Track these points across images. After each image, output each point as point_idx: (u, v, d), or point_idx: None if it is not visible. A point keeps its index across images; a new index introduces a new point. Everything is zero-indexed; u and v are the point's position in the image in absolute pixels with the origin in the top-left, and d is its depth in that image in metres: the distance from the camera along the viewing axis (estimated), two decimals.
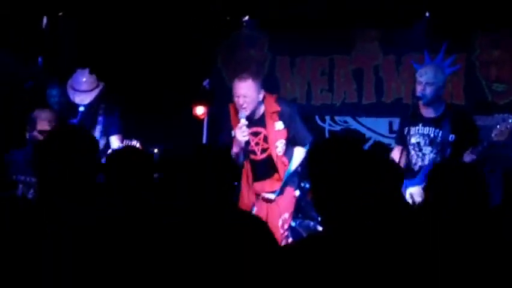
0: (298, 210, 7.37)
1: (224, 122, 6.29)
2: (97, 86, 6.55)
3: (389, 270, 2.53)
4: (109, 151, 6.36)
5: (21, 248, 3.01)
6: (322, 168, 2.71)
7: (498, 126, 5.65)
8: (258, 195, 6.20)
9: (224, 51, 9.58)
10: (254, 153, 6.16)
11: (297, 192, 6.49)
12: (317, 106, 9.28)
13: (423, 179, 5.83)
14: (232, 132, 6.02)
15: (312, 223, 7.35)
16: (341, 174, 2.67)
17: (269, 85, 8.92)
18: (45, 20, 8.38)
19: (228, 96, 6.10)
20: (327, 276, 2.54)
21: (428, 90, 6.00)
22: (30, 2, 8.04)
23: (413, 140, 6.07)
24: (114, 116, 6.58)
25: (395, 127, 7.44)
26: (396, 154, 6.14)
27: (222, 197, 3.26)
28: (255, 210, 6.18)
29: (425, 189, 3.67)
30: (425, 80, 6.00)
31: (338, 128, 9.24)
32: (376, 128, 8.83)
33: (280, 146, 6.08)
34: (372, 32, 8.91)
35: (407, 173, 5.82)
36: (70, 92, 6.52)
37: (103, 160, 5.23)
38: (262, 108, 6.06)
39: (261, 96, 6.00)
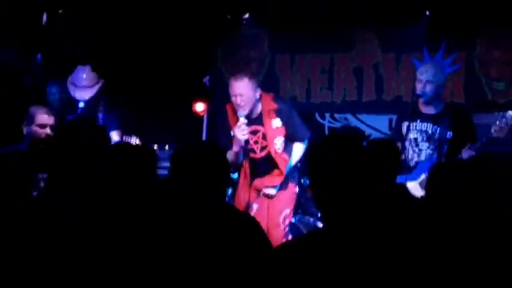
0: (298, 206, 7.37)
1: (222, 123, 6.28)
2: (97, 82, 6.57)
3: (385, 268, 2.53)
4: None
5: (22, 248, 3.01)
6: (321, 166, 2.70)
7: (498, 123, 5.66)
8: (258, 191, 6.20)
9: (224, 49, 9.59)
10: (254, 151, 6.16)
11: (297, 188, 6.50)
12: (317, 104, 9.30)
13: (419, 174, 5.87)
14: (231, 132, 6.02)
15: (311, 219, 7.35)
16: (339, 172, 2.66)
17: (269, 83, 8.99)
18: (45, 16, 8.37)
19: (228, 93, 6.09)
20: (323, 274, 2.54)
21: (428, 88, 6.00)
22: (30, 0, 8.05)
23: (411, 136, 6.08)
24: (114, 112, 6.59)
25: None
26: None
27: (220, 195, 3.27)
28: (255, 208, 6.19)
29: (425, 187, 3.67)
30: (425, 78, 6.00)
31: (337, 125, 9.26)
32: (376, 125, 8.85)
33: (278, 143, 6.09)
34: (372, 30, 8.93)
35: (403, 168, 5.82)
36: (71, 88, 6.53)
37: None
38: (259, 107, 6.06)
39: (257, 95, 6.00)
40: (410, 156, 6.08)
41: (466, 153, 5.68)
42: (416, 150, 6.05)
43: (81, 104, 6.40)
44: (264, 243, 3.24)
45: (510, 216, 3.23)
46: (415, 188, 5.78)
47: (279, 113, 6.05)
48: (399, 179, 4.71)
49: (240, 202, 6.21)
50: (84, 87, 6.49)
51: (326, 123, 9.31)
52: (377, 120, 8.85)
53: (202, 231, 3.08)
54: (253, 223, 3.33)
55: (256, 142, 6.12)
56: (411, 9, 8.29)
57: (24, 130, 5.59)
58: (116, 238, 3.07)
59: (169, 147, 7.56)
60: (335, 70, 9.19)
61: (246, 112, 5.92)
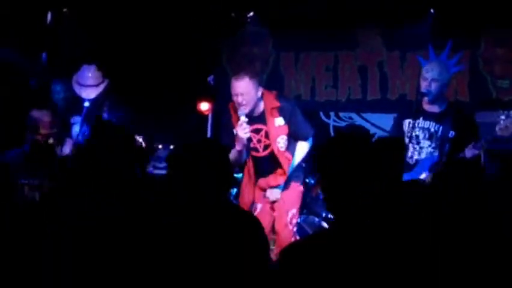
0: (303, 206, 7.37)
1: (225, 122, 6.29)
2: (103, 81, 6.59)
3: (381, 269, 2.53)
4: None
5: (22, 248, 3.02)
6: (324, 165, 2.72)
7: (502, 122, 5.65)
8: (263, 191, 6.20)
9: (229, 48, 9.58)
10: (257, 150, 6.16)
11: (303, 187, 6.50)
12: (322, 102, 9.29)
13: (419, 173, 5.87)
14: (234, 131, 6.02)
15: (316, 219, 7.34)
16: (341, 171, 2.68)
17: (274, 82, 8.98)
18: (49, 16, 8.37)
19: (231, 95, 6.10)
20: (324, 275, 2.55)
21: (433, 87, 6.01)
22: None
23: (412, 133, 6.08)
24: (118, 112, 6.60)
25: None
26: None
27: (221, 194, 3.27)
28: (259, 208, 6.19)
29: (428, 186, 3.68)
30: (431, 76, 6.01)
31: (342, 124, 9.25)
32: (381, 124, 8.82)
33: (281, 141, 6.08)
34: (377, 28, 8.91)
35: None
36: (76, 87, 6.55)
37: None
38: (261, 105, 6.06)
39: (259, 94, 6.00)
40: (410, 154, 6.08)
41: (469, 152, 5.68)
42: (417, 148, 6.05)
43: (86, 103, 6.42)
44: (263, 242, 3.24)
45: (510, 215, 3.24)
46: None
47: (281, 111, 6.05)
48: None
49: (245, 202, 6.21)
50: (90, 86, 6.51)
51: (331, 122, 9.30)
52: (381, 119, 8.82)
53: (202, 231, 3.08)
54: (254, 222, 3.33)
55: (259, 141, 6.12)
56: (416, 7, 8.28)
57: (27, 136, 5.60)
58: (116, 238, 3.08)
59: (173, 146, 7.56)
60: (339, 68, 9.19)
61: (246, 111, 5.93)
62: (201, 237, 3.07)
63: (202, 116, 9.02)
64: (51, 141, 5.56)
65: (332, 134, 9.23)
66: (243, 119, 5.91)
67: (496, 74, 8.41)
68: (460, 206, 3.25)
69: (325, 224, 7.24)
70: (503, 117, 5.64)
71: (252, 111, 5.98)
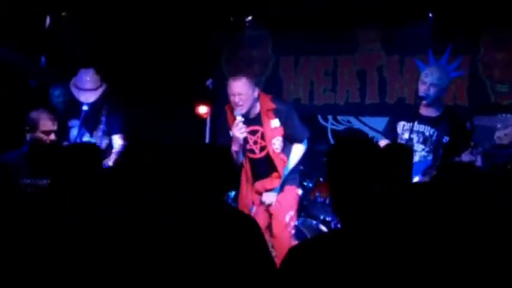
0: (301, 209, 7.38)
1: (221, 123, 6.31)
2: (101, 85, 6.59)
3: (379, 272, 2.53)
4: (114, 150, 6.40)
5: (22, 248, 3.02)
6: (328, 167, 2.74)
7: (502, 130, 5.66)
8: (260, 194, 6.21)
9: (227, 52, 9.58)
10: (253, 152, 6.19)
11: (300, 191, 6.49)
12: (320, 106, 9.29)
13: (413, 176, 5.86)
14: (230, 133, 6.04)
15: (314, 222, 7.35)
16: (340, 174, 2.69)
17: (273, 85, 8.99)
18: (48, 19, 8.37)
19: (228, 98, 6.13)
20: (322, 278, 2.55)
21: (432, 91, 6.02)
22: (33, 2, 8.05)
23: (407, 136, 6.07)
24: (117, 115, 6.59)
25: None
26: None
27: (220, 196, 3.27)
28: (255, 211, 6.20)
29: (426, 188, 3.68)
30: (430, 80, 6.02)
31: (340, 127, 9.25)
32: (379, 127, 8.79)
33: (277, 143, 6.12)
34: (376, 32, 8.91)
35: None
36: (74, 91, 6.55)
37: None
38: (257, 107, 6.10)
39: (255, 94, 6.05)
40: None
41: (466, 157, 5.68)
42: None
43: (85, 107, 6.42)
44: (262, 243, 3.24)
45: (508, 216, 3.24)
46: None
47: (277, 113, 6.09)
48: None
49: (245, 203, 6.23)
50: (88, 90, 6.51)
51: (329, 126, 9.30)
52: (380, 123, 8.76)
53: (202, 231, 3.08)
54: (252, 223, 3.33)
55: (255, 142, 6.15)
56: (415, 10, 8.27)
57: (27, 136, 5.59)
58: (116, 238, 3.07)
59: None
60: (338, 72, 9.18)
61: (243, 111, 5.97)
62: (200, 238, 3.07)
63: (201, 120, 9.01)
64: (52, 137, 5.55)
65: (330, 137, 9.23)
66: (239, 118, 5.95)
67: (495, 78, 8.41)
68: (458, 208, 3.25)
69: (323, 227, 7.24)
70: (500, 125, 5.65)
71: (248, 112, 6.01)
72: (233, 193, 7.20)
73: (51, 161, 3.44)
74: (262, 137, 6.12)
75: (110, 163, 6.02)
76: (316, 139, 6.41)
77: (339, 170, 2.70)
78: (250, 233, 3.21)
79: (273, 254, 5.90)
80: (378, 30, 8.88)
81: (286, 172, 6.13)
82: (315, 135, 6.37)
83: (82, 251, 3.01)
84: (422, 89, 6.06)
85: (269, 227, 6.15)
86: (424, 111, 6.08)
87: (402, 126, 6.14)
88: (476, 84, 8.47)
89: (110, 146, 6.52)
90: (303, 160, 6.40)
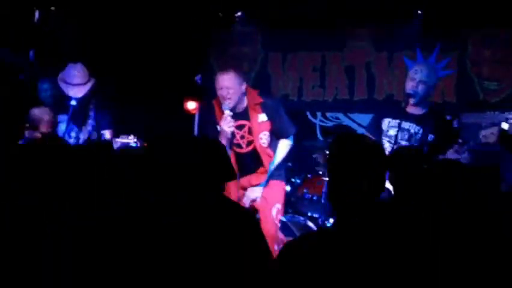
0: (289, 206, 7.39)
1: (209, 118, 6.32)
2: (89, 80, 6.57)
3: (364, 268, 2.55)
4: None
5: (22, 248, 3.02)
6: (328, 162, 2.79)
7: (489, 128, 5.67)
8: (245, 190, 6.22)
9: (216, 47, 9.59)
10: (240, 146, 6.19)
11: (288, 187, 6.48)
12: (308, 102, 9.30)
13: None
14: (218, 127, 6.06)
15: (302, 218, 7.35)
16: (330, 170, 2.72)
17: (261, 81, 9.00)
18: (37, 14, 8.35)
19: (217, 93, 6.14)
20: (314, 273, 2.57)
21: (420, 88, 6.01)
22: None
23: (391, 132, 6.08)
24: (105, 110, 6.59)
25: None
26: None
27: (219, 193, 3.27)
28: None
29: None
30: (419, 77, 6.01)
31: (329, 124, 9.27)
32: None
33: (264, 137, 6.13)
34: (365, 28, 8.93)
35: None
36: (63, 86, 6.52)
37: None
38: (245, 102, 6.12)
39: (243, 88, 6.06)
40: (387, 154, 6.07)
41: (452, 155, 5.68)
42: (395, 147, 6.05)
43: (73, 102, 6.40)
44: (261, 241, 3.24)
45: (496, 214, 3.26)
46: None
47: (264, 108, 6.10)
48: None
49: (230, 197, 6.22)
50: (77, 85, 6.49)
51: (318, 122, 9.32)
52: (368, 119, 8.84)
53: (202, 231, 3.08)
54: (252, 220, 3.33)
55: (242, 137, 6.16)
56: (404, 7, 8.29)
57: (26, 133, 5.64)
58: (116, 238, 3.07)
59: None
60: (326, 68, 9.20)
61: (231, 105, 5.99)
62: (200, 237, 3.07)
63: (189, 115, 9.02)
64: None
65: (319, 134, 9.25)
66: (227, 112, 5.96)
67: (484, 75, 8.43)
68: (445, 204, 3.27)
69: (311, 224, 7.25)
70: (486, 123, 5.66)
71: (235, 107, 6.03)
72: None
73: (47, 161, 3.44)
74: (249, 132, 6.13)
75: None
76: (305, 136, 6.42)
77: (332, 165, 2.73)
78: (250, 232, 3.21)
79: None
80: (368, 27, 8.89)
81: (271, 167, 6.14)
82: (303, 132, 6.38)
83: (82, 251, 3.01)
84: (410, 86, 6.05)
85: None
86: (410, 108, 6.08)
87: (387, 123, 6.15)
88: (465, 82, 8.49)
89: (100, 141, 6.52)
90: (291, 156, 6.41)
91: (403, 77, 6.84)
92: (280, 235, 6.52)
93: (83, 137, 6.42)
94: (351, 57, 9.06)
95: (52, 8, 8.44)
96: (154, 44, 8.81)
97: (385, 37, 8.79)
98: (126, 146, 6.15)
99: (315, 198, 7.54)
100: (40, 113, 5.74)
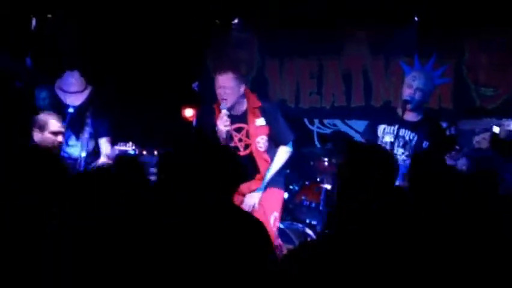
0: (287, 213, 7.39)
1: (208, 120, 6.31)
2: (86, 88, 6.58)
3: (364, 275, 2.56)
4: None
5: (22, 248, 3.02)
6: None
7: (481, 134, 5.69)
8: (243, 196, 6.22)
9: (213, 54, 9.58)
10: (237, 149, 6.19)
11: (286, 194, 6.47)
12: (306, 109, 9.30)
13: None
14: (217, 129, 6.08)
15: (300, 225, 7.36)
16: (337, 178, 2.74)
17: (258, 87, 8.98)
18: (34, 21, 8.35)
19: (217, 98, 6.15)
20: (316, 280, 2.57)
21: (417, 95, 6.02)
22: (20, 4, 8.03)
23: (387, 139, 6.08)
24: (103, 118, 6.58)
25: None
26: None
27: (221, 195, 3.26)
28: None
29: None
30: (416, 84, 6.01)
31: (326, 130, 9.26)
32: None
33: (261, 141, 6.14)
34: (362, 34, 8.92)
35: None
36: (60, 93, 6.54)
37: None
38: (244, 105, 6.15)
39: (242, 89, 6.09)
40: None
41: (448, 162, 5.69)
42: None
43: (70, 110, 6.40)
44: (264, 243, 3.23)
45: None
46: None
47: (263, 112, 6.13)
48: None
49: None
50: (75, 93, 6.50)
51: (315, 129, 9.32)
52: None
53: (202, 231, 3.08)
54: (255, 223, 3.32)
55: (240, 140, 6.17)
56: (400, 13, 8.30)
57: (35, 136, 5.71)
58: (116, 238, 3.07)
59: (157, 152, 7.56)
60: (323, 75, 9.20)
61: (228, 105, 6.02)
62: (201, 238, 3.07)
63: (187, 122, 9.02)
64: (60, 138, 5.84)
65: (316, 140, 9.25)
66: (224, 111, 5.98)
67: (480, 81, 8.43)
68: (442, 210, 3.28)
69: (309, 231, 7.25)
70: (479, 129, 5.67)
71: (233, 108, 6.06)
72: None
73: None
74: (247, 135, 6.15)
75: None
76: (303, 142, 6.42)
77: (342, 172, 2.75)
78: (250, 233, 3.20)
79: None
80: (364, 33, 8.90)
81: (267, 174, 6.14)
82: (301, 139, 6.39)
83: (82, 251, 3.01)
84: (407, 93, 6.05)
85: None
86: (405, 115, 6.07)
87: (382, 129, 6.15)
88: (461, 88, 8.49)
89: (97, 149, 6.52)
90: (289, 163, 6.41)
91: (400, 83, 6.85)
92: (279, 242, 6.51)
93: (81, 144, 6.43)
94: (348, 63, 9.05)
95: (49, 16, 8.45)
96: (151, 51, 8.81)
97: (382, 43, 8.79)
98: (124, 154, 6.17)
99: (313, 205, 7.54)
100: (46, 115, 5.87)
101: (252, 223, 3.27)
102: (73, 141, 6.49)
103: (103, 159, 6.35)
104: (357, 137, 8.56)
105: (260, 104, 6.14)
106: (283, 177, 6.43)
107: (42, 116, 5.86)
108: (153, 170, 4.19)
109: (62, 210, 3.11)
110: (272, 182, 6.19)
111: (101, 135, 6.53)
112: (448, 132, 6.36)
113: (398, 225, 2.87)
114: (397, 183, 5.73)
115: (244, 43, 9.40)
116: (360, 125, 8.76)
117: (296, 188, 7.78)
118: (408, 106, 6.02)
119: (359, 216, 2.71)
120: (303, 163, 7.36)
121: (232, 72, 6.12)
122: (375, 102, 8.92)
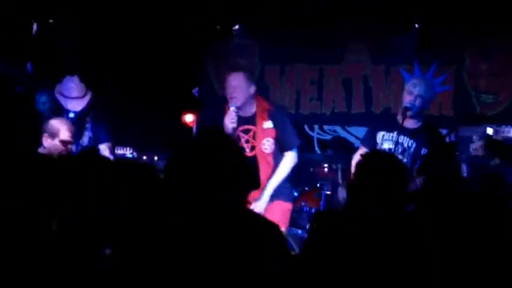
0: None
1: (218, 119, 6.30)
2: (87, 93, 6.57)
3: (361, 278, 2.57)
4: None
5: (22, 248, 3.02)
6: None
7: (477, 141, 5.68)
8: (249, 203, 6.18)
9: (214, 60, 9.60)
10: (244, 150, 6.20)
11: (290, 205, 6.43)
12: (306, 115, 9.31)
13: None
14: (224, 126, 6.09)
15: (300, 231, 7.35)
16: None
17: (259, 94, 8.98)
18: (35, 26, 8.36)
19: (217, 104, 6.19)
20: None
21: (418, 102, 5.99)
22: (20, 8, 8.04)
23: (386, 146, 6.07)
24: (103, 124, 6.58)
25: None
26: (357, 155, 6.10)
27: (224, 197, 3.24)
28: None
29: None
30: (417, 92, 5.99)
31: (327, 137, 9.27)
32: None
33: (267, 143, 6.14)
34: (362, 41, 8.95)
35: None
36: (61, 99, 6.53)
37: None
38: (254, 107, 6.17)
39: (251, 91, 6.12)
40: None
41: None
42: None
43: (71, 115, 6.41)
44: (274, 245, 3.20)
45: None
46: None
47: (271, 116, 6.15)
48: None
49: None
50: (75, 98, 6.49)
51: (315, 135, 9.32)
52: None
53: (202, 231, 3.07)
54: (267, 224, 3.29)
55: (247, 141, 6.18)
56: (401, 21, 8.32)
57: (44, 141, 5.70)
58: (116, 238, 3.07)
59: (157, 158, 7.57)
60: (324, 81, 9.21)
61: (238, 104, 6.04)
62: (201, 238, 3.06)
63: (187, 128, 9.02)
64: (69, 147, 5.79)
65: (316, 147, 9.25)
66: (233, 109, 6.02)
67: (481, 88, 8.45)
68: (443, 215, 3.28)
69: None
70: (475, 136, 5.67)
71: (242, 109, 6.08)
72: None
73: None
74: (254, 137, 6.16)
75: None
76: (303, 148, 6.41)
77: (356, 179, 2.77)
78: (252, 233, 3.18)
79: None
80: (365, 40, 8.91)
81: (273, 181, 6.11)
82: (301, 145, 6.37)
83: (82, 251, 3.01)
84: (407, 99, 6.03)
85: None
86: (405, 122, 6.06)
87: (381, 136, 6.14)
88: (462, 95, 8.51)
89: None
90: (291, 171, 6.40)
91: (400, 90, 6.84)
92: None
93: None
94: (348, 70, 9.07)
95: (50, 21, 8.46)
96: (151, 57, 8.82)
97: (382, 50, 8.81)
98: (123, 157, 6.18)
99: (313, 211, 7.53)
100: (58, 122, 5.85)
101: (263, 225, 3.24)
102: (74, 146, 6.48)
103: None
104: (357, 144, 8.57)
105: (269, 108, 6.17)
106: (289, 188, 6.41)
107: (55, 123, 5.82)
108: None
109: (62, 210, 3.11)
110: (278, 194, 6.15)
111: (102, 141, 6.52)
112: (448, 139, 6.34)
113: (398, 229, 2.88)
114: None
115: (244, 49, 9.41)
116: (361, 131, 8.76)
117: (296, 194, 7.76)
118: (409, 113, 6.00)
119: (356, 220, 2.71)
120: (303, 169, 7.34)
121: (243, 73, 6.20)
122: (375, 108, 8.93)
